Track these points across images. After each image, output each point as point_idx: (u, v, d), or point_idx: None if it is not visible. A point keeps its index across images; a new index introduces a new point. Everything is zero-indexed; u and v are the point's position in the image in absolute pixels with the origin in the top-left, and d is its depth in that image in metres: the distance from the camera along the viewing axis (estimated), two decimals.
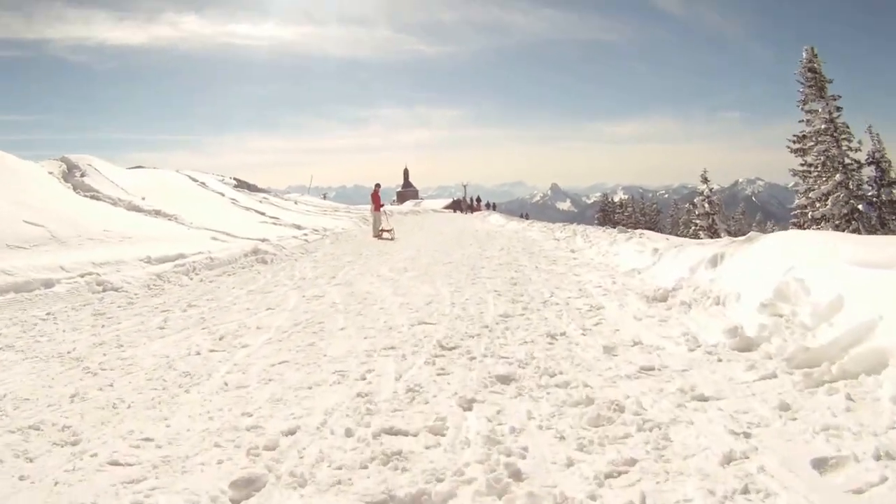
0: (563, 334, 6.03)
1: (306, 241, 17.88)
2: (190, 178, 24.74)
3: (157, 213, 17.50)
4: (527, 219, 35.35)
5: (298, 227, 20.71)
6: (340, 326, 6.74)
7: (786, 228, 44.51)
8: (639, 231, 16.03)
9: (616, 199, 77.74)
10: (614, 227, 18.90)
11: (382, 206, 21.97)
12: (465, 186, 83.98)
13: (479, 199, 67.02)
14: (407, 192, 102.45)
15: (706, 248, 8.42)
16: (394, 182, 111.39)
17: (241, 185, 38.45)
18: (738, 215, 68.68)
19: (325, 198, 54.84)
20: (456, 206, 66.29)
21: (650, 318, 6.69)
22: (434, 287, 9.40)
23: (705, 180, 41.14)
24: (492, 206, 66.36)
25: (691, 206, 44.51)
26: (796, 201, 29.10)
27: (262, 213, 22.49)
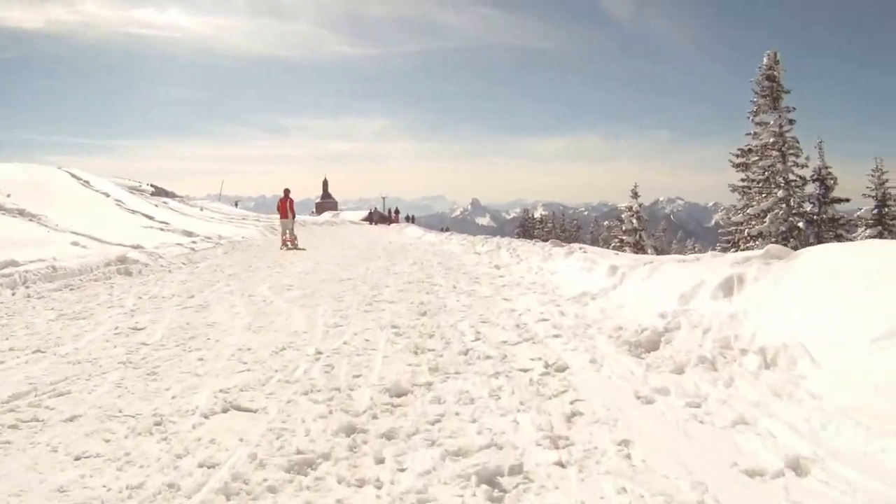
0: (517, 471, 3.05)
1: (193, 249, 15.74)
2: (73, 175, 21.51)
3: (21, 212, 15.05)
4: (446, 231, 32.70)
5: (189, 234, 18.56)
6: (85, 406, 4.06)
7: (708, 247, 44.81)
8: (577, 245, 13.59)
9: (536, 214, 77.85)
10: (544, 242, 16.71)
11: (293, 213, 19.98)
12: (384, 199, 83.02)
13: (397, 211, 64.87)
14: (326, 203, 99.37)
15: (694, 266, 6.06)
16: (314, 193, 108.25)
17: (159, 191, 36.52)
18: (658, 233, 68.75)
19: (236, 205, 53.08)
20: (370, 217, 63.01)
21: (660, 393, 4.07)
22: (311, 317, 7.26)
23: (635, 195, 40.31)
24: (411, 219, 63.89)
25: (616, 222, 44.04)
26: (733, 217, 28.59)
27: (151, 217, 19.62)
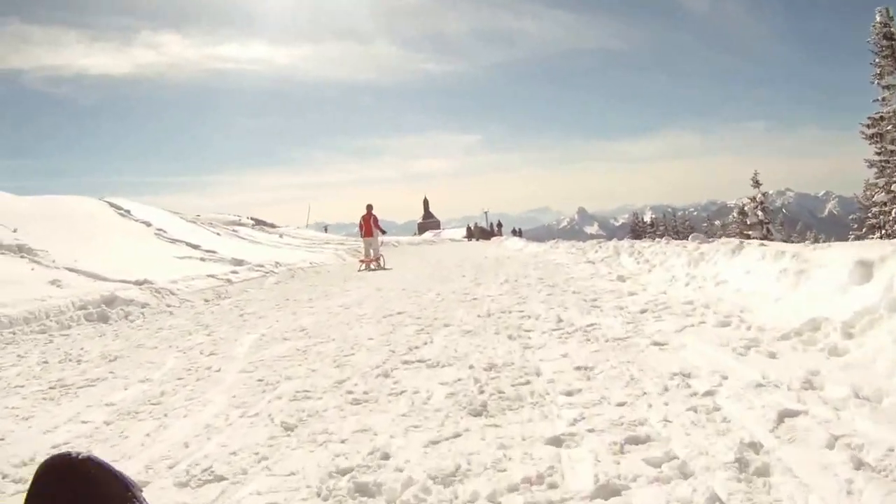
0: None
1: (229, 281, 12.60)
2: (112, 206, 19.11)
3: (20, 248, 12.42)
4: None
5: (239, 263, 15.43)
6: None
7: (830, 238, 38.50)
8: (724, 239, 9.41)
9: (646, 218, 73.85)
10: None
11: (380, 230, 17.96)
12: (485, 213, 79.38)
13: (499, 225, 61.05)
14: (428, 223, 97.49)
15: None
16: (416, 215, 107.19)
17: (259, 223, 36.25)
18: (777, 226, 62.85)
19: (325, 230, 52.09)
20: (470, 233, 59.12)
21: None
22: (254, 421, 3.68)
23: (757, 183, 35.76)
24: (518, 233, 59.93)
25: (738, 217, 39.22)
26: (876, 197, 24.18)
27: (196, 247, 16.91)
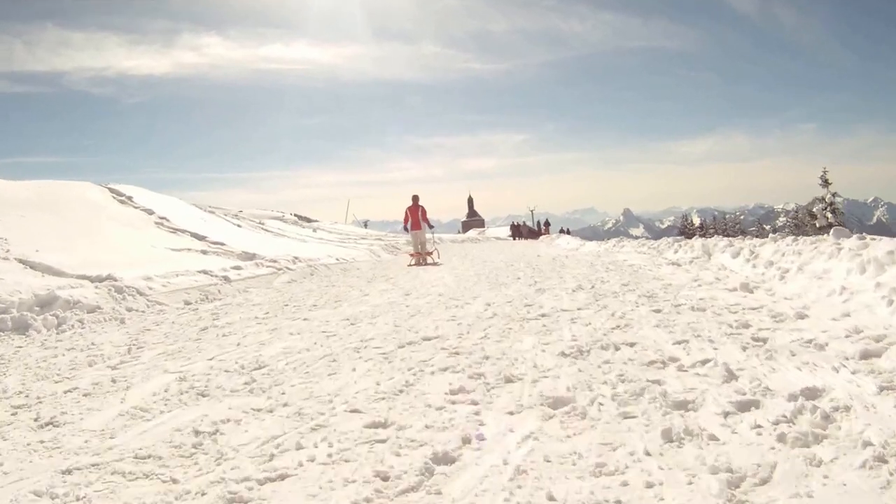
0: None
1: (227, 279, 10.21)
2: (113, 192, 17.01)
3: None
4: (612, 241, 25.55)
5: (250, 258, 13.12)
6: None
7: None
8: (857, 236, 6.83)
9: (695, 221, 71.16)
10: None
11: (427, 223, 16.36)
12: (531, 211, 78.67)
13: (547, 223, 57.73)
14: (472, 221, 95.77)
15: None
16: (462, 212, 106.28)
17: (302, 219, 34.89)
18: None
19: (365, 226, 50.31)
20: (516, 230, 55.52)
21: None
22: None
23: (826, 182, 33.00)
24: (566, 232, 56.85)
25: (808, 216, 35.56)
26: None
27: (202, 238, 14.60)
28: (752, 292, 6.07)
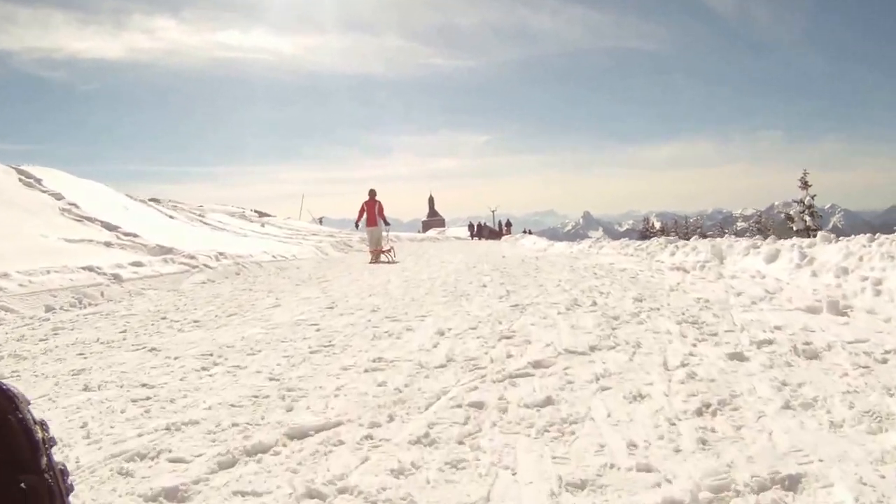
0: None
1: (117, 277, 8.35)
2: (21, 172, 15.06)
3: None
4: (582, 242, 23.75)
5: (166, 252, 11.29)
6: None
7: None
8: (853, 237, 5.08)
9: (656, 225, 71.30)
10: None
11: (383, 220, 15.87)
12: (493, 211, 77.05)
13: (508, 224, 56.15)
14: (433, 220, 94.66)
15: None
16: (422, 213, 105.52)
17: (263, 215, 33.89)
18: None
19: (320, 222, 48.28)
20: (476, 231, 53.50)
21: None
22: None
23: (805, 185, 31.46)
24: (528, 233, 55.41)
25: (786, 220, 34.43)
26: None
27: (114, 229, 12.55)
28: (845, 314, 4.29)
